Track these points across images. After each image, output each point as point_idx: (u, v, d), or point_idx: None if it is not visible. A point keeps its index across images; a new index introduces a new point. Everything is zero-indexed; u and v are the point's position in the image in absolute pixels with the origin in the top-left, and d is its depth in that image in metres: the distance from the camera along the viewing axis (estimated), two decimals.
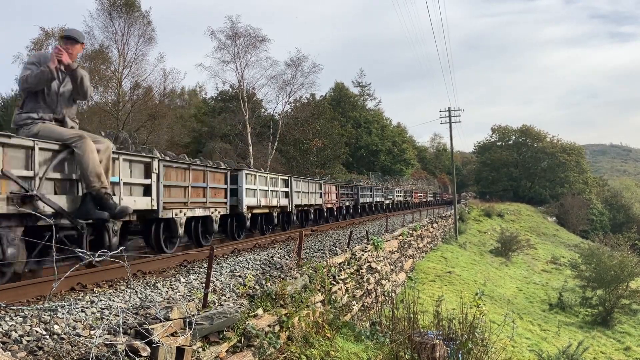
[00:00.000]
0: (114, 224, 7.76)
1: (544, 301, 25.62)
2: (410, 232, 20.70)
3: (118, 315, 4.44)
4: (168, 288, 6.37)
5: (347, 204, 23.38)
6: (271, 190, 13.52)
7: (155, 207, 7.95)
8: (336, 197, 21.20)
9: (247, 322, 5.49)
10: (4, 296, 5.17)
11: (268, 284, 6.70)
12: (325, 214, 19.68)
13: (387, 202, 34.57)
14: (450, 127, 42.62)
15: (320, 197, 18.40)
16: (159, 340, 4.11)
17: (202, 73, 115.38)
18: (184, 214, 8.86)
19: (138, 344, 3.98)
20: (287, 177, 15.20)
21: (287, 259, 9.08)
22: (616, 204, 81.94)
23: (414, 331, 7.69)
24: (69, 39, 6.43)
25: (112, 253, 4.30)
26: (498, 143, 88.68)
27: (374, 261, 12.58)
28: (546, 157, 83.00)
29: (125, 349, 3.86)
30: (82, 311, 4.77)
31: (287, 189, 14.81)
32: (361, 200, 26.06)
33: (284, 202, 14.60)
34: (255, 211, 12.64)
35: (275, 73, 40.81)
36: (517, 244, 39.38)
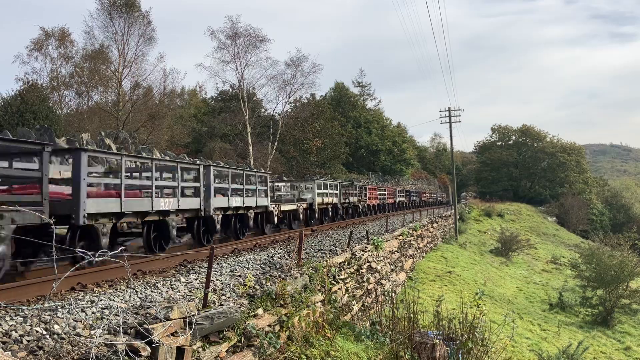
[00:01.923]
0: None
1: (544, 301, 25.60)
2: (411, 232, 20.69)
3: (118, 315, 4.44)
4: (168, 288, 6.36)
5: None
6: None
7: None
8: None
9: (247, 322, 5.49)
10: (4, 296, 5.16)
11: (268, 284, 6.70)
12: None
13: (288, 208, 16.22)
14: (450, 127, 42.68)
15: None
16: (159, 340, 4.11)
17: (202, 73, 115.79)
18: None
19: (138, 343, 3.98)
20: None
21: (287, 259, 9.08)
22: (616, 204, 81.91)
23: (414, 331, 7.67)
24: None
25: (112, 253, 4.30)
26: (498, 143, 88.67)
27: (374, 261, 12.57)
28: (546, 157, 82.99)
29: (125, 349, 3.86)
30: (82, 311, 4.77)
31: None
32: (93, 210, 7.64)
33: None
34: None
35: (275, 73, 40.80)
36: (517, 244, 39.38)
